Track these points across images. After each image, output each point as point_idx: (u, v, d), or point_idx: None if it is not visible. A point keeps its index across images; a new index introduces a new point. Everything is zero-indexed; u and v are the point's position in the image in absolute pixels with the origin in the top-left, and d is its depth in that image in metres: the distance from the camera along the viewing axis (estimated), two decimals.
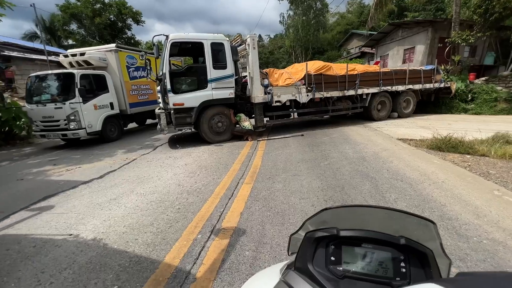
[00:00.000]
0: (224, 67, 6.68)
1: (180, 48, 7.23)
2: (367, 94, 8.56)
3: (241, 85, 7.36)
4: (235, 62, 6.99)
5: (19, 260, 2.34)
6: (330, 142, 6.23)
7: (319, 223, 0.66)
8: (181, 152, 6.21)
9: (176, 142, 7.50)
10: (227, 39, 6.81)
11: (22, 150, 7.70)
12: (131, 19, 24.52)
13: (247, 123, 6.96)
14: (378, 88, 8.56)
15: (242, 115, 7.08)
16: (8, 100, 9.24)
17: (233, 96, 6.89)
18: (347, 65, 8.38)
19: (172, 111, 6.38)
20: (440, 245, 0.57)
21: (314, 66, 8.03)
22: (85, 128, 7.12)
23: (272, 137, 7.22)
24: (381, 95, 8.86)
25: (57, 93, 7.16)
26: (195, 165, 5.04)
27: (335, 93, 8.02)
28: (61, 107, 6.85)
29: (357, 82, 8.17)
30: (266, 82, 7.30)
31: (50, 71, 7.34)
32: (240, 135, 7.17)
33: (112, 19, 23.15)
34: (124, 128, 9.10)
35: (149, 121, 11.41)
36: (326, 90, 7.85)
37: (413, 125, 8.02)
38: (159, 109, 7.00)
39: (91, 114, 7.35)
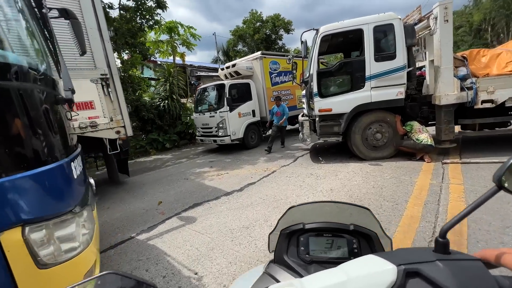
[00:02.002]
0: (392, 57, 4.82)
1: (331, 44, 6.09)
2: None
3: (415, 80, 5.15)
4: (409, 47, 4.92)
5: None
6: None
7: (290, 221, 0.78)
8: (325, 168, 5.08)
9: (319, 153, 6.47)
10: (399, 17, 4.87)
11: (197, 149, 9.60)
12: (282, 30, 26.53)
13: (424, 136, 4.69)
14: None
15: (415, 124, 4.88)
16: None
17: (402, 96, 4.87)
18: None
19: (317, 118, 5.38)
20: (380, 227, 0.72)
21: None
22: (230, 135, 7.59)
23: (471, 159, 4.48)
24: None
25: (211, 103, 8.16)
26: (343, 193, 3.73)
27: None
28: (213, 116, 7.67)
29: None
30: (463, 71, 4.65)
31: (209, 84, 8.54)
32: (411, 152, 4.99)
33: (268, 33, 26.04)
34: (263, 135, 9.15)
35: (288, 127, 11.21)
36: None
37: None
38: (302, 115, 6.25)
39: (236, 122, 7.75)
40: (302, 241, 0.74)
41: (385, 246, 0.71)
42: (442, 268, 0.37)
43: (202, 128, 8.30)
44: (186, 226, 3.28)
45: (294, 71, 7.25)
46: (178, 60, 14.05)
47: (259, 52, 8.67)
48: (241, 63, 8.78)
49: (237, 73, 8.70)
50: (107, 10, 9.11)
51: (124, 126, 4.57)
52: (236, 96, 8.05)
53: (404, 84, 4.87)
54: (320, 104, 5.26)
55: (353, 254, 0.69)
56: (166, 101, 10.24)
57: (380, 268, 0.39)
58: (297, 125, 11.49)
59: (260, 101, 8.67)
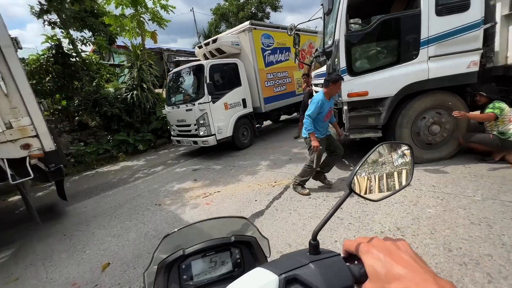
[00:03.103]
0: (464, 7, 3.14)
1: (359, 5, 4.27)
2: None
3: (493, 44, 3.50)
4: None
5: None
6: None
7: (168, 251, 0.69)
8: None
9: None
10: None
11: (178, 150, 7.73)
12: (269, 7, 24.14)
13: None
14: None
15: (506, 108, 3.25)
16: None
17: (476, 69, 3.25)
18: None
19: (344, 107, 3.69)
20: (258, 231, 0.75)
21: None
22: (214, 134, 5.66)
23: None
24: None
25: (188, 92, 6.20)
26: (429, 239, 2.13)
27: None
28: (191, 109, 5.65)
29: None
30: None
31: (183, 66, 6.45)
32: (486, 151, 3.44)
33: (253, 11, 23.58)
34: (259, 130, 7.27)
35: (284, 117, 9.50)
36: None
37: None
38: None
39: (222, 116, 5.85)
40: (183, 269, 0.66)
41: (264, 246, 0.74)
42: (313, 269, 0.39)
43: (177, 126, 6.33)
44: None
45: (297, 47, 5.51)
46: (152, 45, 11.75)
47: (248, 22, 6.59)
48: (225, 37, 6.71)
49: (220, 51, 6.65)
50: None
51: (37, 136, 2.70)
52: (220, 81, 6.15)
53: (480, 49, 3.23)
54: (351, 85, 3.56)
55: (237, 265, 0.68)
56: (135, 92, 8.16)
57: (265, 280, 0.39)
58: (295, 115, 9.72)
59: (252, 87, 6.71)
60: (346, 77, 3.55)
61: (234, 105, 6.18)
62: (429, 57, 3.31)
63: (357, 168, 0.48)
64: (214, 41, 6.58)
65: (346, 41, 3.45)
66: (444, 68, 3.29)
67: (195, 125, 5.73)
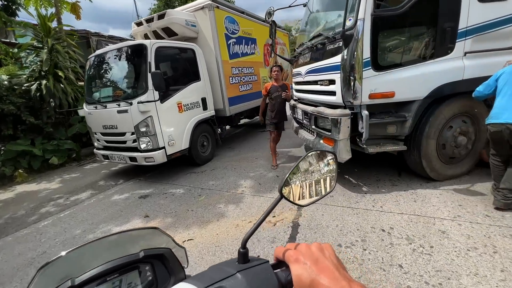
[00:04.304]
0: None
1: None
2: None
3: None
4: None
5: None
6: None
7: (52, 284, 0.54)
8: (391, 218, 2.58)
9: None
10: None
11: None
12: None
13: None
14: None
15: None
16: None
17: None
18: None
19: (363, 112, 2.78)
20: (173, 240, 0.67)
21: None
22: (164, 147, 3.99)
23: None
24: None
25: (120, 85, 4.39)
26: None
27: None
28: (126, 110, 3.88)
29: None
30: None
31: (112, 47, 4.50)
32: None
33: None
34: (222, 138, 5.74)
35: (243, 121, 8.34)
36: None
37: None
38: (318, 107, 3.52)
39: (174, 121, 4.21)
40: None
41: (180, 257, 0.66)
42: (240, 279, 0.39)
43: (104, 135, 4.39)
44: None
45: (273, 37, 4.58)
46: (76, 27, 8.88)
47: None
48: (177, 13, 4.98)
49: (169, 32, 4.95)
50: None
51: None
52: (171, 73, 4.60)
53: None
54: (374, 83, 2.69)
55: (148, 284, 0.59)
56: (45, 82, 5.74)
57: None
58: (255, 118, 8.42)
59: (214, 83, 5.26)
60: (369, 71, 2.66)
61: (191, 106, 4.60)
62: (465, 53, 2.68)
63: (287, 174, 0.49)
64: (161, 16, 4.82)
65: (374, 22, 2.55)
66: (480, 68, 2.70)
67: (132, 134, 3.97)
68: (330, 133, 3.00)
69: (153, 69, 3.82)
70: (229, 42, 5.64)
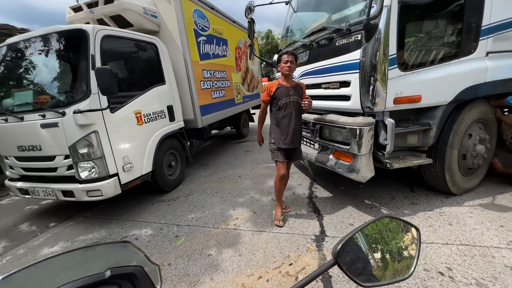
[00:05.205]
0: None
1: None
2: None
3: None
4: None
5: None
6: None
7: None
8: (425, 231, 2.11)
9: (326, 180, 3.45)
10: None
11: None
12: None
13: None
14: None
15: None
16: None
17: None
18: None
19: (389, 120, 2.28)
20: (145, 257, 0.56)
21: None
22: (116, 174, 2.88)
23: None
24: None
25: (48, 88, 3.08)
26: None
27: None
28: (55, 123, 2.68)
29: None
30: None
31: (33, 33, 3.17)
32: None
33: None
34: (191, 155, 4.51)
35: (214, 132, 7.50)
36: None
37: None
38: (324, 115, 2.93)
39: (131, 137, 3.14)
40: None
41: (153, 275, 0.53)
42: None
43: (20, 160, 3.07)
44: None
45: (252, 34, 4.00)
46: None
47: None
48: None
49: (121, 22, 3.86)
50: None
51: None
52: (125, 73, 3.51)
53: None
54: (400, 84, 2.23)
55: None
56: None
57: None
58: (226, 129, 7.58)
59: (183, 87, 4.30)
60: (395, 71, 2.19)
61: (154, 116, 3.54)
62: (487, 53, 2.42)
63: (349, 235, 0.42)
64: (110, 1, 3.68)
65: (401, 11, 2.09)
66: (502, 70, 2.48)
67: (66, 157, 2.77)
68: (347, 147, 2.44)
69: (98, 64, 2.70)
70: (199, 40, 4.77)
